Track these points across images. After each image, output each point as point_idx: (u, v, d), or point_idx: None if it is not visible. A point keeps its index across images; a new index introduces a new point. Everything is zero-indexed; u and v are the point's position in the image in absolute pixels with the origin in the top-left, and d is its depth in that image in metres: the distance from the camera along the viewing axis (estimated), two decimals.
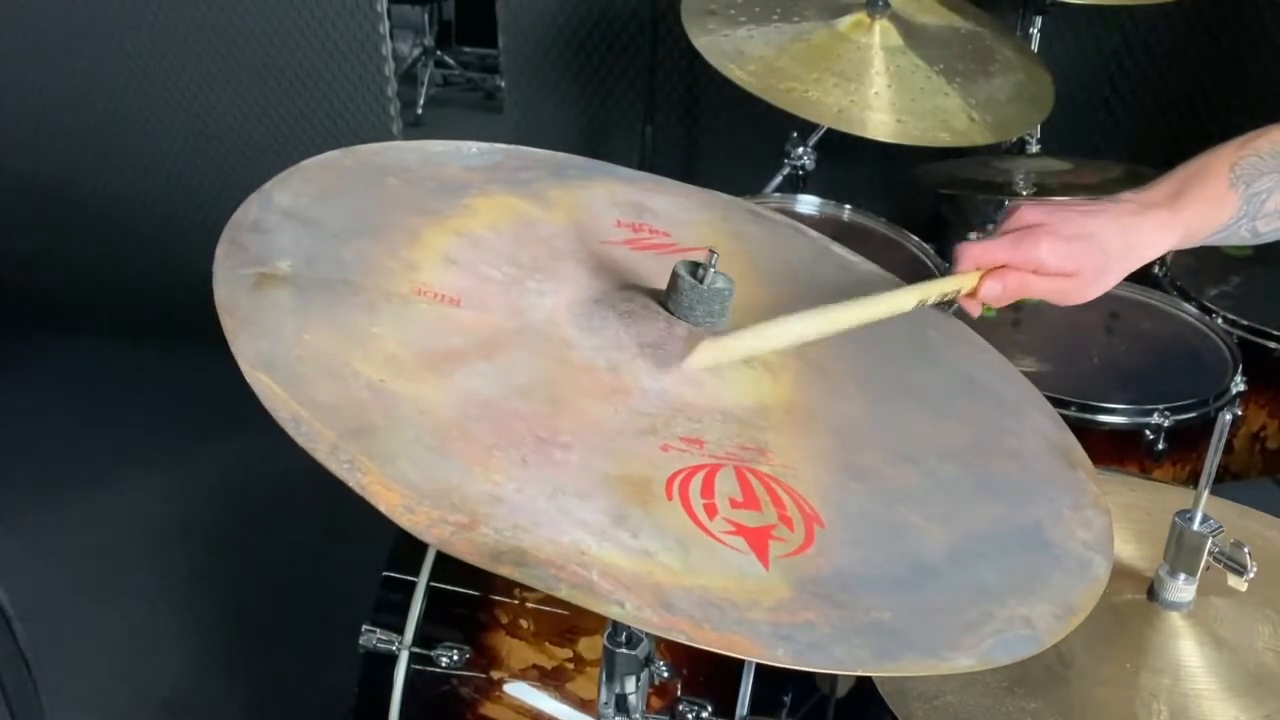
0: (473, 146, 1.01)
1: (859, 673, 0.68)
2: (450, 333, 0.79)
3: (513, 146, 1.04)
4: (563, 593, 0.63)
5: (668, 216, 1.04)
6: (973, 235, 2.02)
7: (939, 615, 0.72)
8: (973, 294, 0.99)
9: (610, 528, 0.68)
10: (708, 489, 0.74)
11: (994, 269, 0.98)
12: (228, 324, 0.71)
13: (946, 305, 1.02)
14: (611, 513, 0.69)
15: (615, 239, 0.97)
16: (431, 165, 0.97)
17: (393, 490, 0.65)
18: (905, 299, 0.96)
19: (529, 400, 0.76)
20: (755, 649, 0.65)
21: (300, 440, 0.66)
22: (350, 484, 0.64)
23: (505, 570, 0.63)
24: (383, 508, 0.64)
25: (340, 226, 0.85)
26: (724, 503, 0.73)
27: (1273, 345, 1.65)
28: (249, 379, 0.68)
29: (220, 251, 0.77)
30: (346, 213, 0.87)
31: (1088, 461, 0.93)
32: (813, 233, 1.16)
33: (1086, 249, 0.97)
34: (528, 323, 0.83)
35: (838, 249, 1.15)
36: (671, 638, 0.63)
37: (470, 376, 0.76)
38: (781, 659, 0.65)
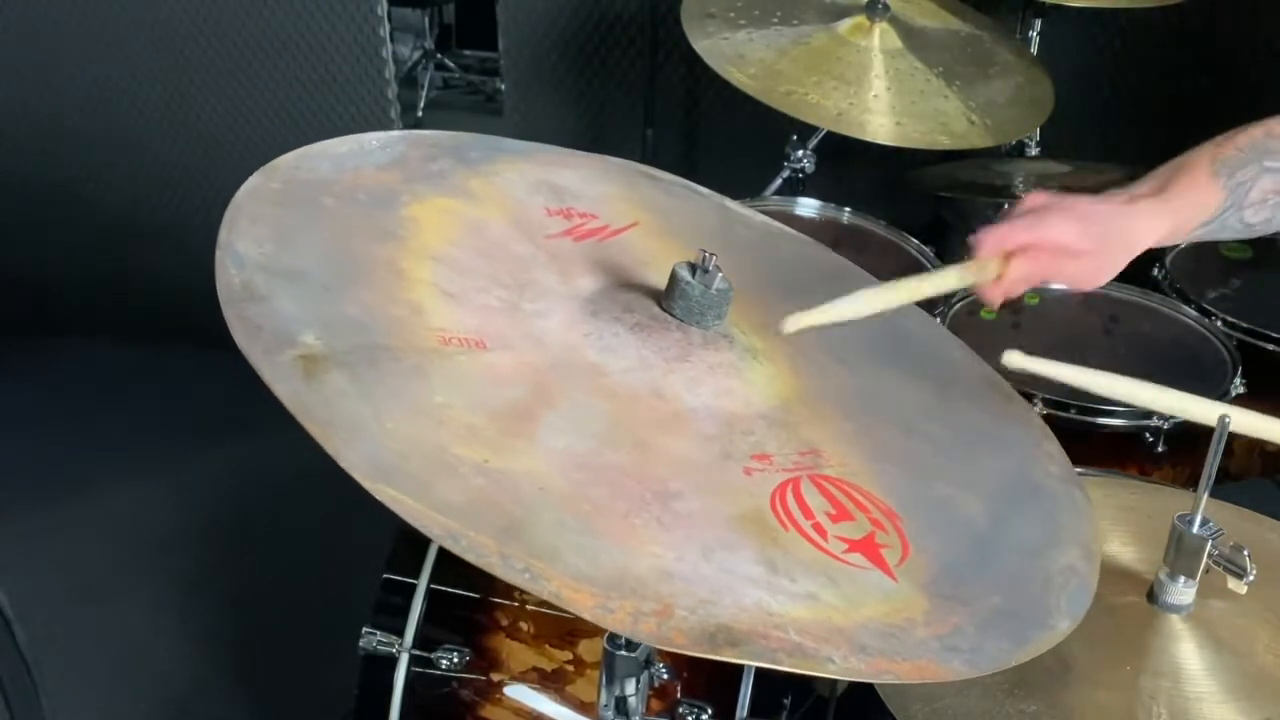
0: (372, 140, 0.98)
1: (1013, 664, 0.66)
2: (499, 384, 0.77)
3: (409, 132, 1.02)
4: (785, 664, 0.61)
5: (583, 195, 1.03)
6: (971, 238, 2.02)
7: (1022, 585, 0.72)
8: (999, 278, 1.00)
9: (770, 577, 0.67)
10: (804, 508, 0.73)
11: (1016, 251, 0.99)
12: (314, 431, 0.66)
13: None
14: (761, 561, 0.68)
15: (556, 231, 0.97)
16: (348, 171, 0.94)
17: (582, 592, 0.62)
18: (947, 279, 0.99)
19: (617, 450, 0.74)
20: (942, 669, 0.63)
21: (464, 554, 0.62)
22: (541, 595, 0.62)
23: (726, 654, 0.61)
24: (583, 614, 0.62)
25: (322, 274, 0.81)
26: (824, 519, 0.73)
27: (1272, 348, 1.65)
28: (374, 494, 0.63)
29: (240, 337, 0.72)
30: (314, 254, 0.83)
31: (1007, 385, 0.96)
32: (704, 190, 1.16)
33: (1098, 230, 1.00)
34: (554, 356, 0.82)
35: (731, 205, 1.16)
36: (881, 680, 0.62)
37: (550, 434, 0.74)
38: (961, 672, 0.63)
